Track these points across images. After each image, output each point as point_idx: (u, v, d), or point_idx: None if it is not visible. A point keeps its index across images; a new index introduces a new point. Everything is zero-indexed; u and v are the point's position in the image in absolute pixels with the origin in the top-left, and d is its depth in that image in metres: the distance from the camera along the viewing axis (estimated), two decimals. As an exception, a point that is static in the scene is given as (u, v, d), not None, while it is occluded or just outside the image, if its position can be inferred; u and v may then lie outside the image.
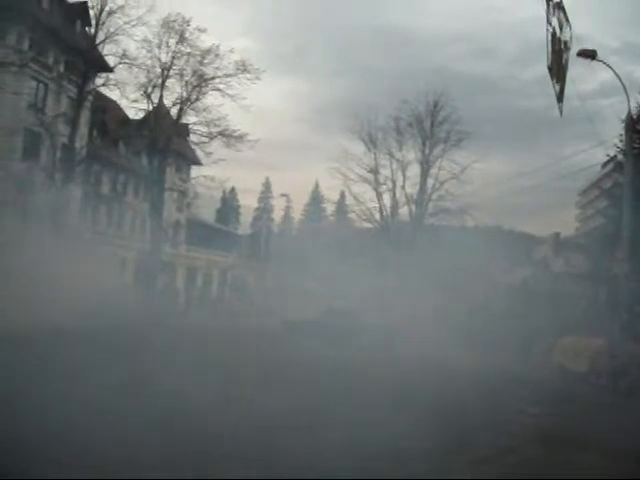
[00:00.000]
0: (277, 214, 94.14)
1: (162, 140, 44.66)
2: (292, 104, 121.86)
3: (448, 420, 11.38)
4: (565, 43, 16.64)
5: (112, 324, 23.54)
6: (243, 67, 43.09)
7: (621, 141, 29.08)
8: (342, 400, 12.92)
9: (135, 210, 50.59)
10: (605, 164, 42.54)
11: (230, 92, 43.25)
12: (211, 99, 44.44)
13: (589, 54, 20.23)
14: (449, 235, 45.05)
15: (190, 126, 45.66)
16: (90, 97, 42.21)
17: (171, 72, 43.50)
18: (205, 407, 11.17)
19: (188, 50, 42.96)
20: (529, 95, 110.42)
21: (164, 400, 11.57)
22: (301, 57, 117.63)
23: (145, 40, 41.71)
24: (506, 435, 10.89)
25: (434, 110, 48.11)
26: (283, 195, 79.64)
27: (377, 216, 50.13)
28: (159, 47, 42.61)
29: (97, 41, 40.24)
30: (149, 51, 42.28)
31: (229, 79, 43.28)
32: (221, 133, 44.10)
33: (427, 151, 48.93)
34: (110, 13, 39.44)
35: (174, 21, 42.18)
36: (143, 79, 42.66)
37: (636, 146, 27.39)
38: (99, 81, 42.39)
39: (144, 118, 45.56)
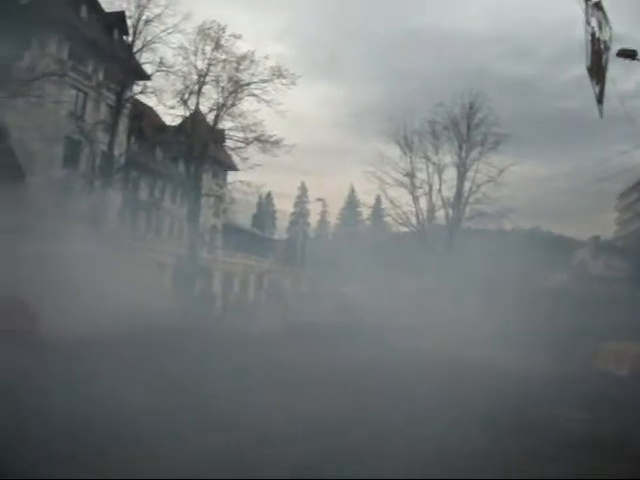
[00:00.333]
0: (313, 219, 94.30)
1: (199, 146, 45.12)
2: (328, 109, 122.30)
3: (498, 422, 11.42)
4: (605, 43, 16.36)
5: (154, 329, 23.88)
6: (279, 72, 43.44)
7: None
8: (404, 406, 12.93)
9: (172, 216, 51.16)
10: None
11: (266, 97, 43.65)
12: (247, 105, 44.80)
13: (629, 54, 19.88)
14: (486, 238, 44.69)
15: (226, 132, 46.09)
16: (128, 104, 42.84)
17: (207, 78, 44.05)
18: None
19: (224, 56, 43.48)
20: (567, 96, 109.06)
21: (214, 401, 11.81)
22: (336, 62, 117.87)
23: (181, 47, 42.34)
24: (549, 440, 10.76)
25: (470, 112, 47.84)
26: (319, 199, 79.53)
27: (413, 220, 50.02)
28: (195, 54, 43.21)
29: (134, 49, 40.99)
30: (185, 58, 42.90)
31: (265, 85, 43.68)
32: (257, 138, 44.40)
33: (464, 154, 48.66)
34: (147, 22, 40.22)
35: (210, 28, 42.78)
36: (180, 86, 43.31)
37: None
38: (137, 89, 43.18)
39: (181, 124, 46.13)
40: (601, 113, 18.04)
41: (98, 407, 10.48)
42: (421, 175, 49.70)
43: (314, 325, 29.03)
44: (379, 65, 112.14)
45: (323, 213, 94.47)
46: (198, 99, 44.41)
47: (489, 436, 10.50)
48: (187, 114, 44.80)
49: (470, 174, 48.63)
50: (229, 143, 46.70)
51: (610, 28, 16.42)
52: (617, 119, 22.72)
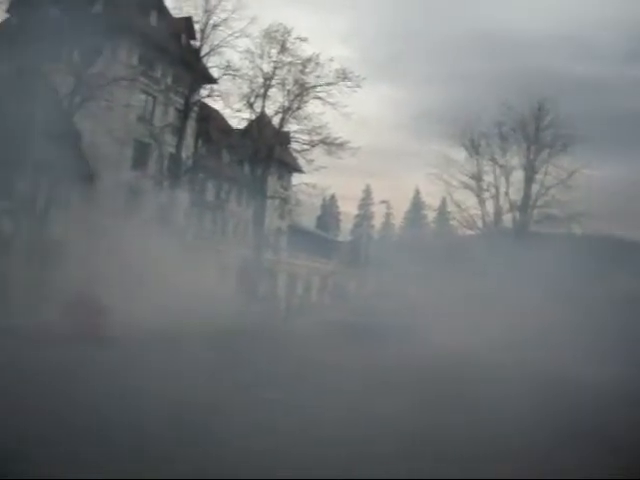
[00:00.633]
0: (377, 221, 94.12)
1: (264, 149, 45.60)
2: (390, 111, 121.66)
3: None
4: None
5: (219, 329, 24.22)
6: (343, 75, 43.56)
7: None
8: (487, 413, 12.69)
9: (238, 217, 51.77)
10: None
11: (331, 100, 43.81)
12: (312, 107, 45.05)
13: None
14: (555, 243, 43.54)
15: (291, 134, 46.43)
16: (195, 108, 43.53)
17: (273, 82, 44.53)
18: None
19: (289, 59, 43.84)
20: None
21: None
22: (399, 64, 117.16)
23: (248, 51, 42.96)
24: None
25: (539, 114, 46.79)
26: (383, 202, 79.49)
27: (479, 223, 49.27)
28: (261, 57, 43.79)
29: (202, 54, 41.66)
30: (252, 62, 43.51)
31: (330, 87, 43.84)
32: (322, 141, 44.59)
33: (532, 156, 47.63)
34: (214, 26, 40.81)
35: (275, 32, 43.22)
36: (246, 89, 43.94)
37: None
38: (204, 92, 43.90)
39: (247, 127, 46.71)
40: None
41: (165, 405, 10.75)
42: (488, 178, 48.96)
43: (375, 325, 29.04)
44: (441, 67, 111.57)
45: (387, 215, 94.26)
46: (264, 102, 45.01)
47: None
48: (253, 117, 45.45)
49: (539, 176, 47.71)
50: (294, 145, 47.07)
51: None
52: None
